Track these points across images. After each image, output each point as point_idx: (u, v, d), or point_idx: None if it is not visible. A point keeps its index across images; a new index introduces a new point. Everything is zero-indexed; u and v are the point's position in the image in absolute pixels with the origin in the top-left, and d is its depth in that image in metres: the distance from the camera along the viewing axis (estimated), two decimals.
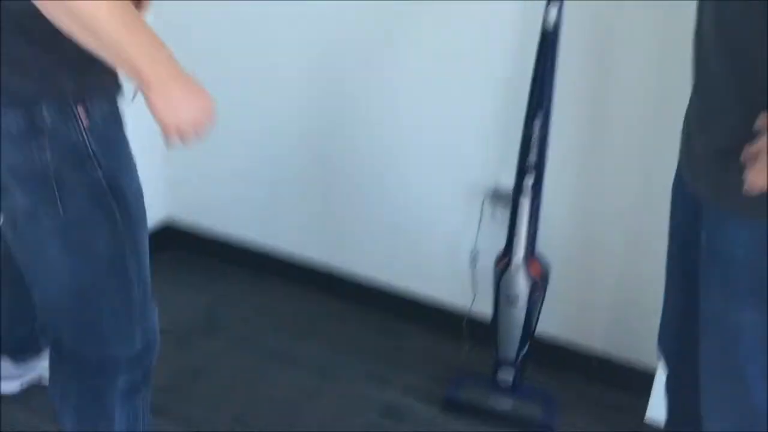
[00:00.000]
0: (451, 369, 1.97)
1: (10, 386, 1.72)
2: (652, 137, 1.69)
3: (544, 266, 1.70)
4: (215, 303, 2.22)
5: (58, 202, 1.05)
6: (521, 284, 1.66)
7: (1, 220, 1.13)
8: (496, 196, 1.88)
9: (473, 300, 1.97)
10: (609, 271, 1.86)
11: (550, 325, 1.90)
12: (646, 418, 1.69)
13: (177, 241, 2.46)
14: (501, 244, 1.73)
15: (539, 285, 1.68)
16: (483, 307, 1.96)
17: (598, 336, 1.93)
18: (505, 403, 1.79)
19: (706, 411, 1.13)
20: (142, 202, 1.17)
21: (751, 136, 0.92)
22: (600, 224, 1.83)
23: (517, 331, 1.72)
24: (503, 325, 1.72)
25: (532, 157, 1.60)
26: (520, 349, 1.74)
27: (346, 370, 1.96)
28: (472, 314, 1.99)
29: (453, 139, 1.93)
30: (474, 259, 1.94)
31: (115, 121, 1.13)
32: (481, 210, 1.90)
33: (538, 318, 1.74)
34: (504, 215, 1.83)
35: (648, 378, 1.77)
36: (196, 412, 1.78)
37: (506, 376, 1.78)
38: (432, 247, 2.06)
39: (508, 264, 1.66)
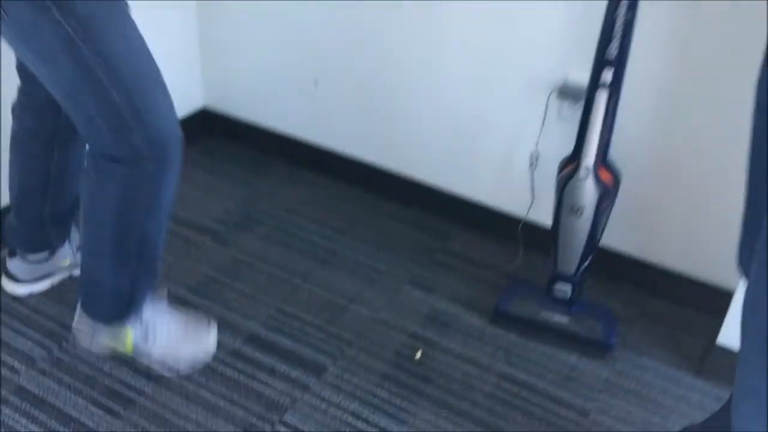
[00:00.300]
0: (502, 278, 1.85)
1: (24, 289, 1.68)
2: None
3: (615, 174, 1.53)
4: (255, 196, 2.11)
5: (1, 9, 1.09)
6: (589, 193, 1.49)
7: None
8: (563, 92, 1.68)
9: (530, 206, 1.82)
10: (683, 189, 1.68)
11: (615, 239, 1.75)
12: (718, 341, 1.56)
13: (214, 131, 2.33)
14: (565, 146, 1.55)
15: (609, 193, 1.51)
16: (540, 215, 1.81)
17: (668, 252, 1.77)
18: (560, 317, 1.66)
19: None
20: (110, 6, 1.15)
21: None
22: (678, 138, 1.63)
23: (580, 244, 1.57)
24: (564, 236, 1.57)
25: (613, 49, 1.39)
26: (581, 262, 1.60)
27: (390, 274, 1.85)
28: (529, 221, 1.84)
29: (516, 25, 1.72)
30: (534, 161, 1.77)
31: None
32: (546, 107, 1.71)
33: (603, 230, 1.59)
34: (571, 114, 1.65)
35: (722, 298, 1.62)
36: (236, 306, 1.71)
37: (564, 289, 1.65)
38: (488, 147, 1.89)
39: (575, 169, 1.49)
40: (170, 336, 1.52)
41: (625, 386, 1.58)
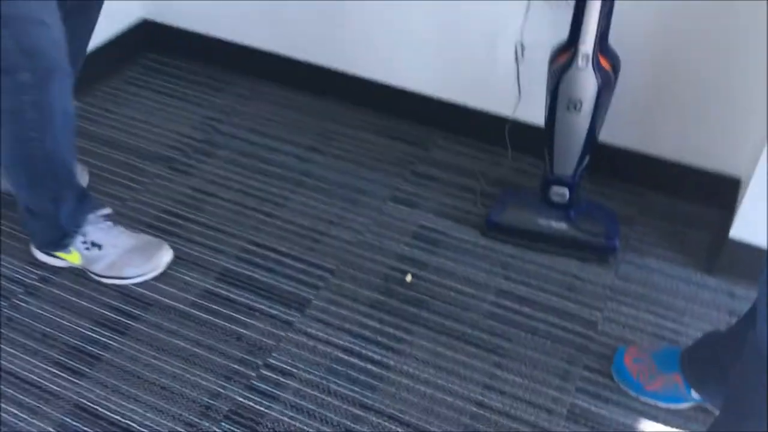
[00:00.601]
0: (491, 186, 1.70)
1: None
2: None
3: (615, 60, 1.36)
4: (212, 116, 1.90)
5: None
6: (588, 84, 1.33)
7: None
8: None
9: (517, 104, 1.65)
10: (684, 74, 1.52)
11: (611, 133, 1.60)
12: (731, 234, 1.44)
13: (158, 45, 2.09)
14: (554, 34, 1.37)
15: (610, 83, 1.35)
16: (529, 113, 1.65)
17: (669, 143, 1.63)
18: (558, 224, 1.53)
19: None
20: None
21: None
22: (679, 20, 1.45)
23: (578, 142, 1.42)
24: (561, 135, 1.41)
25: None
26: (579, 162, 1.45)
27: (370, 192, 1.69)
28: (516, 121, 1.68)
29: None
30: (519, 53, 1.59)
31: None
32: None
33: (602, 125, 1.43)
34: None
35: (730, 187, 1.50)
36: (202, 241, 1.55)
37: (560, 192, 1.50)
38: (466, 40, 1.70)
39: (571, 58, 1.31)
40: (118, 249, 1.46)
41: (632, 291, 1.47)
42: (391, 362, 1.34)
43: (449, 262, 1.52)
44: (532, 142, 1.62)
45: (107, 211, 1.48)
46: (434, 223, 1.61)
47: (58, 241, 1.44)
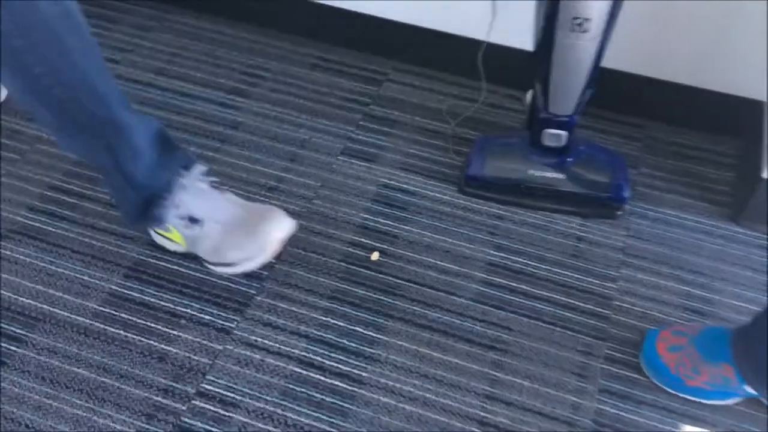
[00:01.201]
0: (465, 129, 1.38)
1: None
2: None
3: None
4: (110, 56, 1.50)
5: None
6: None
7: None
8: None
9: (492, 23, 1.31)
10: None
11: (610, 55, 1.28)
12: (765, 174, 1.17)
13: None
14: None
15: None
16: (506, 34, 1.32)
17: (681, 64, 1.32)
18: (554, 173, 1.23)
19: None
20: None
21: None
22: None
23: (582, 72, 1.10)
24: (560, 62, 1.09)
25: None
26: (581, 97, 1.14)
27: (316, 144, 1.35)
28: (491, 45, 1.34)
29: None
30: None
31: None
32: None
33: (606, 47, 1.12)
34: None
35: (758, 114, 1.22)
36: (110, 216, 1.19)
37: (556, 134, 1.20)
38: None
39: None
40: (218, 225, 1.09)
41: (649, 252, 1.20)
42: (364, 374, 1.04)
43: (424, 232, 1.21)
44: (512, 70, 1.30)
45: (203, 168, 1.10)
46: (399, 181, 1.29)
47: (143, 212, 1.07)
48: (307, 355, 1.06)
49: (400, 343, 1.07)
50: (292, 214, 1.20)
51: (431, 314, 1.11)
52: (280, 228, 1.10)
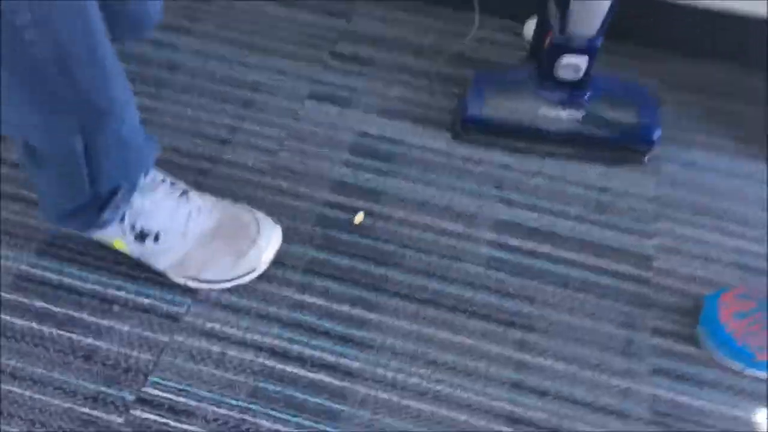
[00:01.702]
0: (451, 67, 1.15)
1: None
2: None
3: None
4: None
5: None
6: None
7: None
8: None
9: None
10: None
11: None
12: None
13: None
14: None
15: None
16: None
17: None
18: (570, 112, 1.02)
19: None
20: None
21: None
22: None
23: None
24: None
25: None
26: (609, 13, 0.93)
27: (276, 87, 1.10)
28: None
29: None
30: None
31: None
32: None
33: None
34: None
35: None
36: (19, 179, 0.93)
37: (574, 64, 0.98)
38: None
39: None
40: (187, 239, 0.83)
41: (686, 202, 1.00)
42: (356, 364, 0.81)
43: (416, 186, 0.99)
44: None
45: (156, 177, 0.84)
46: (381, 128, 1.06)
47: (85, 213, 0.80)
48: (281, 343, 0.82)
49: (397, 323, 0.85)
50: (251, 170, 0.96)
51: (433, 286, 0.88)
52: (270, 243, 0.86)
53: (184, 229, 0.83)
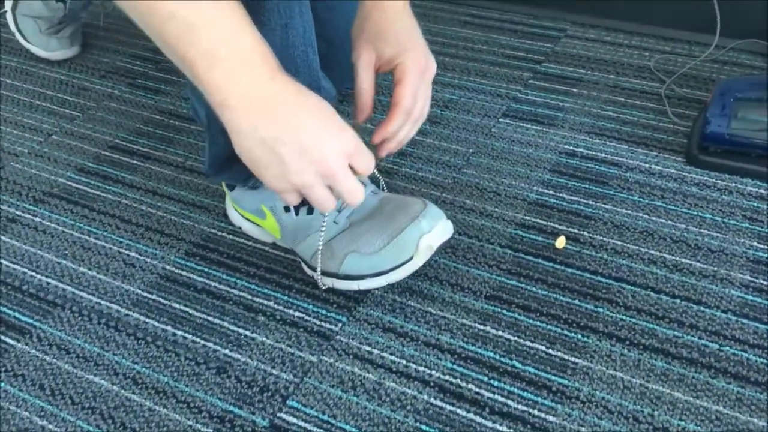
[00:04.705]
0: (684, 88, 0.95)
1: None
2: None
3: None
4: None
5: None
6: None
7: None
8: None
9: None
10: None
11: None
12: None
13: None
14: None
15: None
16: None
17: None
18: None
19: None
20: None
21: None
22: None
23: None
24: None
25: None
26: None
27: (471, 105, 0.96)
28: None
29: None
30: None
31: None
32: None
33: None
34: None
35: None
36: None
37: None
38: None
39: None
40: (339, 223, 0.70)
41: None
42: (551, 419, 0.60)
43: (637, 214, 0.78)
44: (746, 17, 0.88)
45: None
46: (591, 148, 0.87)
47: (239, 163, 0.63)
48: (453, 380, 0.63)
49: (611, 372, 0.63)
50: (432, 185, 0.81)
51: (663, 331, 0.66)
52: (434, 228, 0.69)
53: (340, 206, 0.68)
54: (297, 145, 0.54)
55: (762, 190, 0.80)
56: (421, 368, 0.64)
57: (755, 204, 0.78)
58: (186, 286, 0.74)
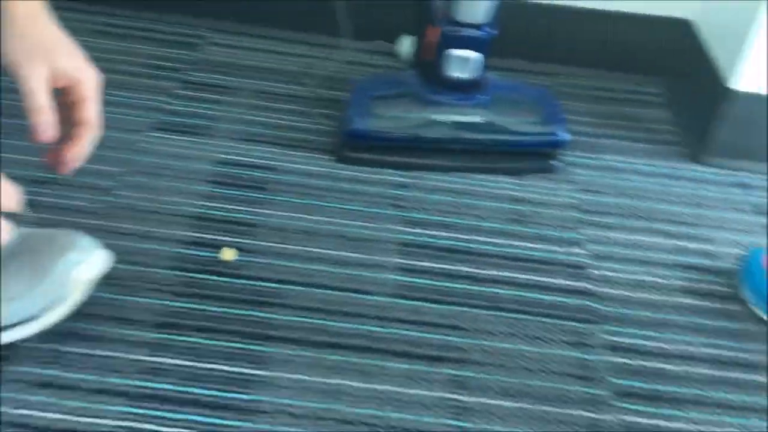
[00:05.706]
0: (325, 89, 1.00)
1: None
2: None
3: None
4: None
5: None
6: None
7: None
8: None
9: None
10: None
11: None
12: (733, 86, 0.90)
13: None
14: None
15: None
16: None
17: None
18: (464, 116, 0.88)
19: None
20: None
21: None
22: None
23: None
24: None
25: None
26: (493, 9, 0.81)
27: (124, 123, 0.89)
28: None
29: None
30: None
31: None
32: None
33: None
34: None
35: (687, 31, 0.97)
36: None
37: (465, 59, 0.85)
38: None
39: None
40: None
41: (611, 206, 0.87)
42: None
43: (296, 214, 0.80)
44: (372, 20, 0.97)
45: None
46: (246, 155, 0.87)
47: None
48: (128, 423, 0.58)
49: (293, 376, 0.63)
50: (80, 213, 0.74)
51: (335, 325, 0.68)
52: (90, 260, 0.63)
53: None
54: None
55: (403, 179, 0.87)
56: (90, 419, 0.58)
57: (399, 192, 0.85)
58: None
